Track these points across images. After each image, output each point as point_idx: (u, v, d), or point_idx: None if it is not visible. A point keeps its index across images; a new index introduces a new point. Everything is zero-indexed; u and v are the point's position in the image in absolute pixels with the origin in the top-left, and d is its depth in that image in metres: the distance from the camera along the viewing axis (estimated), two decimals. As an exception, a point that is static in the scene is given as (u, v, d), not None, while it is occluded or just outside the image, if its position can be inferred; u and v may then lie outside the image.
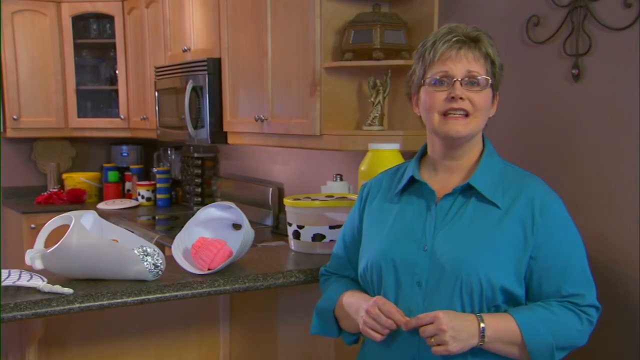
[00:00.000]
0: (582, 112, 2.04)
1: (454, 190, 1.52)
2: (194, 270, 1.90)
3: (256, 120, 3.01)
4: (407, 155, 2.51)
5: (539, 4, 2.13)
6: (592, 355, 2.03)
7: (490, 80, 1.50)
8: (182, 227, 2.04)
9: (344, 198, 2.31)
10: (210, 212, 2.04)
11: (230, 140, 3.37)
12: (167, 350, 2.01)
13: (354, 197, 2.32)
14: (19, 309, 1.60)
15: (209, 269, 1.89)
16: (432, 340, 1.39)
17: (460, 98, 1.47)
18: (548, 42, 2.11)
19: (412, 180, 1.59)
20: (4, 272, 1.72)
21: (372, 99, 2.62)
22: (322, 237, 2.17)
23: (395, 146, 2.39)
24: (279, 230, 3.48)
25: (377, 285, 1.56)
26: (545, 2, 2.11)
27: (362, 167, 2.40)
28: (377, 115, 2.61)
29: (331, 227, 2.17)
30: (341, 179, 2.77)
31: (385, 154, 2.37)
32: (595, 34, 1.98)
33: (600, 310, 1.52)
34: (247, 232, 1.95)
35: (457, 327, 1.38)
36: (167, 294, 1.77)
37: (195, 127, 3.47)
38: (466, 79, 1.47)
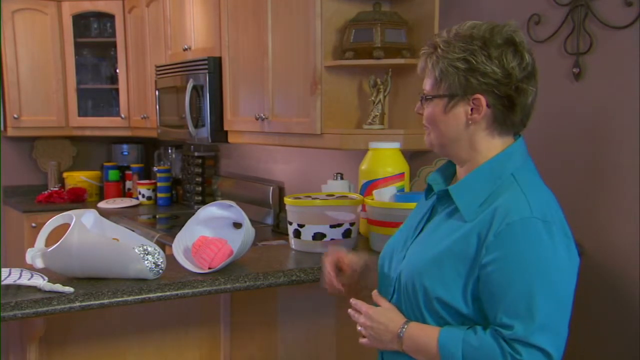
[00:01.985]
0: (583, 111, 2.03)
1: (437, 194, 1.51)
2: (195, 269, 1.90)
3: (257, 119, 3.01)
4: (407, 154, 2.51)
5: (540, 2, 2.13)
6: (593, 355, 2.03)
7: (428, 95, 1.43)
8: (183, 226, 2.05)
9: (344, 197, 2.31)
10: (210, 211, 2.04)
11: (230, 139, 3.37)
12: (167, 349, 2.01)
13: (355, 196, 2.32)
14: (20, 307, 1.60)
15: (209, 268, 1.89)
16: (359, 329, 1.49)
17: (419, 113, 1.49)
18: (549, 40, 2.11)
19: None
20: (5, 270, 1.73)
21: (373, 98, 2.62)
22: (323, 236, 2.17)
23: (396, 145, 2.39)
24: (279, 229, 3.48)
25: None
26: (546, 1, 2.11)
27: (363, 166, 2.41)
28: (377, 114, 2.61)
29: (332, 226, 2.17)
30: (342, 178, 2.76)
31: (385, 153, 2.37)
32: (596, 32, 1.98)
33: (549, 355, 1.27)
34: (248, 231, 1.95)
35: (378, 329, 1.45)
36: (167, 293, 1.77)
37: (195, 126, 3.47)
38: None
